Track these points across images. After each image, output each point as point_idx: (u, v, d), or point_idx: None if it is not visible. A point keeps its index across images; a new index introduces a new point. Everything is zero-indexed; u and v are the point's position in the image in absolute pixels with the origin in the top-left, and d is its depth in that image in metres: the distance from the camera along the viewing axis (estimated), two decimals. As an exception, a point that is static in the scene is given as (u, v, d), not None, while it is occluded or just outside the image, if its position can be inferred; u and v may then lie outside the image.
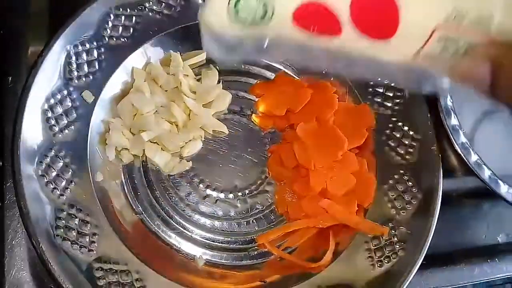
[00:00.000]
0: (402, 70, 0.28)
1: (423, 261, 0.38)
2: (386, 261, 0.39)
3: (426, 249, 0.38)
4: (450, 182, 0.46)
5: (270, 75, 0.46)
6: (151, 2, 0.42)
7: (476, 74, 0.26)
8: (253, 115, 0.45)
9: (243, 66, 0.46)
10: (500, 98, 0.27)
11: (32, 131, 0.36)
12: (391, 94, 0.44)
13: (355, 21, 0.25)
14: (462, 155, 0.40)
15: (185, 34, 0.43)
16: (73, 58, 0.39)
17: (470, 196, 0.47)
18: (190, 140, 0.42)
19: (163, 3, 0.42)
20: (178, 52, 0.43)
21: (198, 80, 0.44)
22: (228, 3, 0.25)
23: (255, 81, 0.46)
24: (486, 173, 0.40)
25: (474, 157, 0.40)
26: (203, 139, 0.43)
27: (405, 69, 0.28)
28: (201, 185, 0.42)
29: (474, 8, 0.25)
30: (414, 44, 0.26)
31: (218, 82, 0.44)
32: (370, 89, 0.45)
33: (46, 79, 0.38)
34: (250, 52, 0.28)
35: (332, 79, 0.45)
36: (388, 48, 0.27)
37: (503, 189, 0.40)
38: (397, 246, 0.39)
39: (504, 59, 0.26)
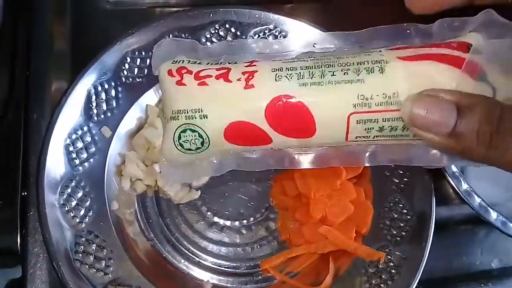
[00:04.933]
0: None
1: (419, 285, 0.40)
2: (383, 286, 0.41)
3: (421, 273, 0.40)
4: (446, 209, 0.48)
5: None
6: (163, 46, 0.45)
7: (438, 117, 0.25)
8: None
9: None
10: (457, 146, 0.26)
11: (55, 164, 0.40)
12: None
13: (275, 129, 0.28)
14: (453, 184, 0.42)
15: (195, 74, 0.47)
16: (93, 97, 0.42)
17: (465, 223, 0.49)
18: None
19: (175, 46, 0.46)
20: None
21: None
22: (173, 141, 0.30)
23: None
24: (476, 201, 0.42)
25: (464, 186, 0.42)
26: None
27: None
28: (208, 213, 0.45)
29: (377, 91, 0.27)
30: (338, 135, 0.28)
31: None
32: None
33: (69, 116, 0.41)
34: (205, 170, 0.32)
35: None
36: (317, 141, 0.29)
37: (492, 216, 0.42)
38: (393, 271, 0.41)
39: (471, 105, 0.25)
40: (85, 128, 0.42)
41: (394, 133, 0.28)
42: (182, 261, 0.43)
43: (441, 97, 0.26)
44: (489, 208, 0.42)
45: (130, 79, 0.44)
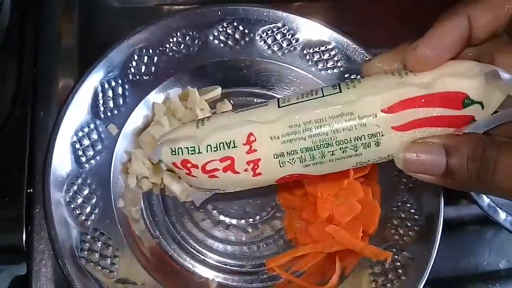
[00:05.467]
0: None
1: (426, 285, 0.39)
2: (389, 285, 0.40)
3: (428, 274, 0.40)
4: (454, 209, 0.48)
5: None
6: (171, 44, 0.45)
7: (429, 161, 0.28)
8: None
9: (255, 100, 0.49)
10: (453, 182, 0.28)
11: (61, 161, 0.39)
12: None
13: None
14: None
15: (202, 72, 0.47)
16: (100, 94, 0.42)
17: (473, 223, 0.49)
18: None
19: (182, 44, 0.45)
20: (195, 88, 0.46)
21: (213, 113, 0.47)
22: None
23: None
24: (485, 201, 0.42)
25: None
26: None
27: None
28: (214, 212, 0.45)
29: (374, 158, 0.29)
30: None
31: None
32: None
33: (75, 113, 0.41)
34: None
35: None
36: None
37: (501, 216, 0.42)
38: (400, 271, 0.41)
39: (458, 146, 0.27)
40: (92, 126, 0.42)
41: None
42: (188, 259, 0.43)
43: (429, 143, 0.28)
44: (498, 209, 0.42)
45: (137, 77, 0.44)
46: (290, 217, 0.45)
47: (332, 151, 0.29)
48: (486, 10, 0.28)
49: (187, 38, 0.46)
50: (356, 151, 0.29)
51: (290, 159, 0.29)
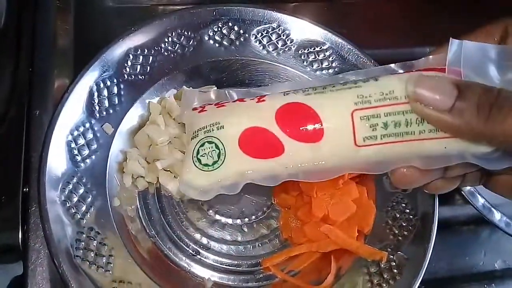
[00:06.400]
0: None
1: (421, 285, 0.40)
2: (384, 285, 0.41)
3: (423, 274, 0.40)
4: (449, 209, 0.48)
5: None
6: (166, 43, 0.45)
7: (441, 87, 0.28)
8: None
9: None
10: (457, 121, 0.28)
11: (56, 160, 0.39)
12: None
13: (285, 131, 0.31)
14: (456, 184, 0.42)
15: (197, 72, 0.47)
16: (96, 94, 0.42)
17: (468, 223, 0.49)
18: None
19: (177, 44, 0.46)
20: (190, 88, 0.46)
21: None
22: (192, 158, 0.32)
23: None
24: (479, 202, 0.42)
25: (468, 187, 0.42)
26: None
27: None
28: (210, 211, 0.45)
29: (374, 91, 0.30)
30: (345, 137, 0.30)
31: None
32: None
33: (71, 113, 0.41)
34: (222, 191, 0.34)
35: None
36: (328, 146, 0.31)
37: (496, 216, 0.42)
38: (395, 271, 0.41)
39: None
40: (87, 125, 0.42)
41: (399, 130, 0.30)
42: (184, 258, 0.43)
43: (442, 76, 0.29)
44: (492, 209, 0.42)
45: (133, 76, 0.44)
46: (286, 217, 0.45)
47: (333, 85, 0.32)
48: None
49: (182, 38, 0.46)
50: (356, 83, 0.31)
51: (294, 91, 0.32)
